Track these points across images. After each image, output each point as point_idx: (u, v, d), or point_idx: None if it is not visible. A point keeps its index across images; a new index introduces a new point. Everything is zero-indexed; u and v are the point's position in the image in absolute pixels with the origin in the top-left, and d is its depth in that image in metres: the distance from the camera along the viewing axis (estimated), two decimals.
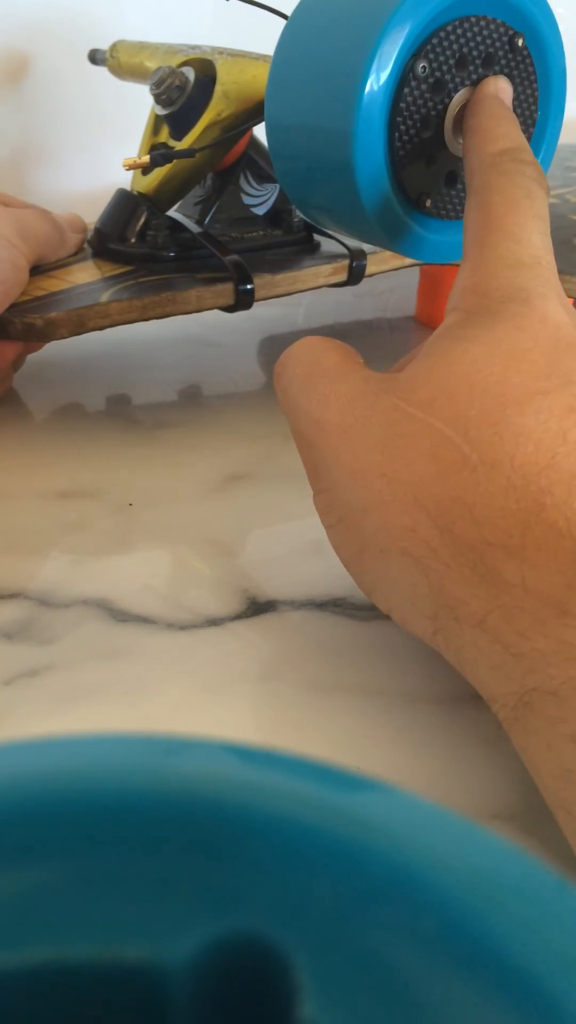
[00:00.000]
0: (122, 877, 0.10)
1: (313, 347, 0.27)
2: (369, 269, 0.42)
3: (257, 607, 0.30)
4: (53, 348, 0.47)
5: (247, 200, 0.44)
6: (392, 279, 0.57)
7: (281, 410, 0.27)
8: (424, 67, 0.29)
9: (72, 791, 0.10)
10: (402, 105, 0.29)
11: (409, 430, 0.22)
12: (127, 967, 0.10)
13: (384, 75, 0.28)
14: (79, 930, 0.10)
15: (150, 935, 0.10)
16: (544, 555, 0.20)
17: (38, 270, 0.41)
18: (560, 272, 0.42)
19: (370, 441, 0.23)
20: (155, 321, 0.39)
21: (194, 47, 0.43)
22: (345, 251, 0.42)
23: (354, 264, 0.42)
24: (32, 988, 0.10)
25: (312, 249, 0.44)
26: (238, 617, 0.29)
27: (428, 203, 0.31)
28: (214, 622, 0.29)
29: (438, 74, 0.29)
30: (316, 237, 0.45)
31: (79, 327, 0.37)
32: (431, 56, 0.29)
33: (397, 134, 0.29)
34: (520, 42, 0.30)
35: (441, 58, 0.29)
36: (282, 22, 0.32)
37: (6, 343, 0.39)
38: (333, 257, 0.42)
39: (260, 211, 0.44)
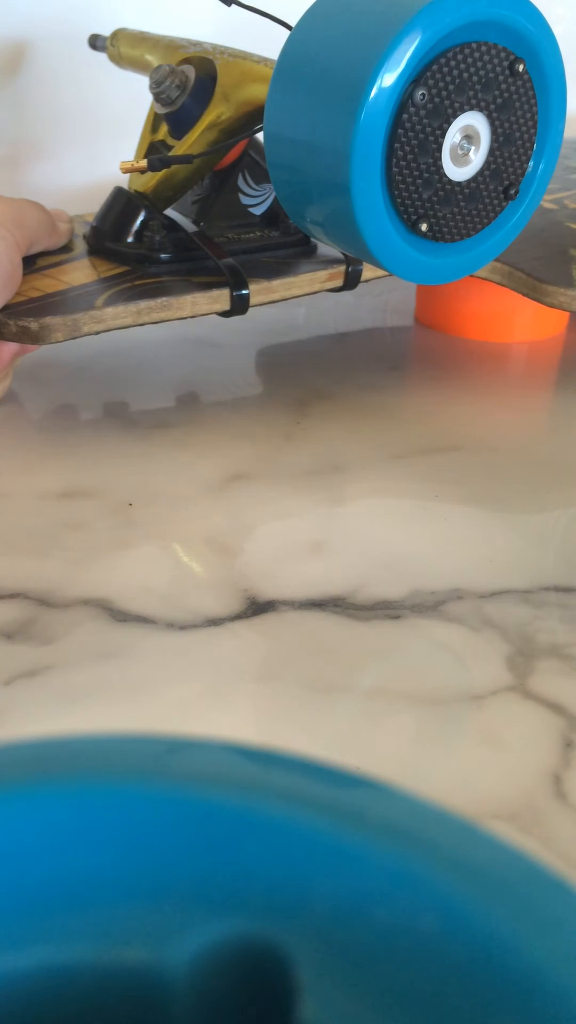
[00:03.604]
0: (123, 878, 0.10)
1: None
2: (365, 274, 0.42)
3: (257, 607, 0.30)
4: (53, 348, 0.47)
5: (245, 200, 0.44)
6: (392, 280, 0.57)
7: None
8: (423, 94, 0.29)
9: (72, 791, 0.10)
10: (400, 131, 0.29)
11: None
12: (128, 968, 0.10)
13: (384, 101, 0.28)
14: (80, 931, 0.10)
15: (151, 936, 0.10)
16: None
17: (33, 268, 0.41)
18: (554, 284, 0.42)
19: None
20: None
21: (195, 43, 0.43)
22: (341, 256, 0.42)
23: (350, 269, 0.42)
24: (34, 989, 0.10)
25: (309, 252, 0.44)
26: (238, 617, 0.29)
27: (424, 227, 0.31)
28: (214, 622, 0.29)
29: (437, 100, 0.29)
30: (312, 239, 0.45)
31: (73, 332, 0.37)
32: (431, 83, 0.29)
33: (395, 159, 0.29)
34: (521, 67, 0.30)
35: (441, 84, 0.29)
36: (282, 26, 0.32)
37: (3, 343, 0.39)
38: (330, 262, 0.42)
39: (257, 211, 0.44)
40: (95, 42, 0.50)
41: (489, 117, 0.31)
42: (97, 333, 0.37)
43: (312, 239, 0.44)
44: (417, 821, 0.10)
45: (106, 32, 0.49)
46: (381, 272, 0.42)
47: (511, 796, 0.23)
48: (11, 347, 0.40)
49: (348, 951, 0.09)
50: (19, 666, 0.27)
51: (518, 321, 0.51)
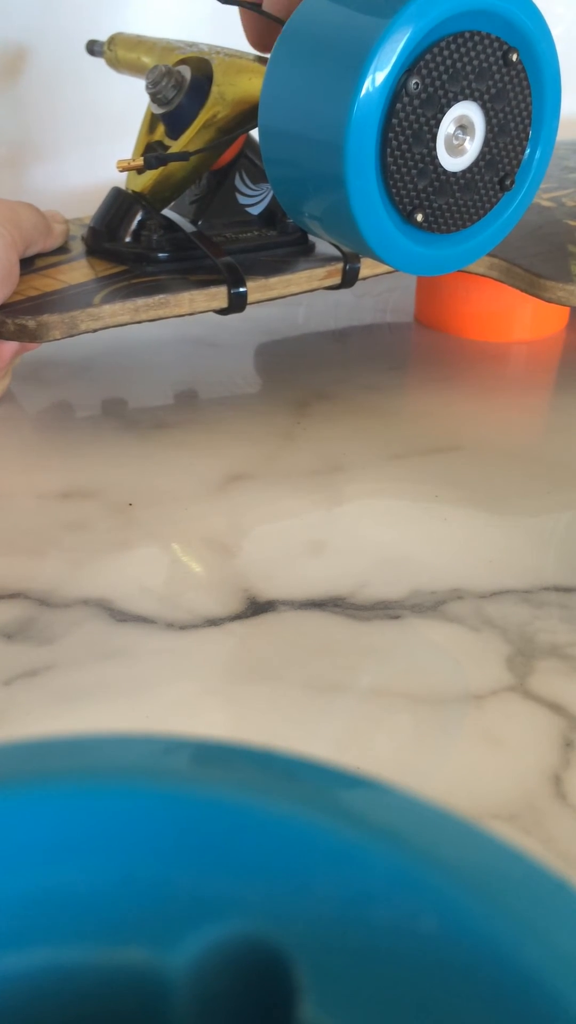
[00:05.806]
0: (123, 878, 0.10)
1: None
2: (363, 272, 0.42)
3: (257, 607, 0.30)
4: (51, 348, 0.47)
5: (242, 200, 0.44)
6: (391, 279, 0.57)
7: None
8: (417, 83, 0.29)
9: (72, 791, 0.10)
10: (394, 121, 0.29)
11: None
12: (129, 968, 0.10)
13: (377, 91, 0.28)
14: (80, 931, 0.10)
15: (151, 936, 0.10)
16: None
17: (31, 268, 0.41)
18: (553, 279, 0.42)
19: None
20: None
21: (191, 44, 0.43)
22: (339, 254, 0.42)
23: (348, 267, 0.42)
24: (34, 989, 0.10)
25: (307, 250, 0.44)
26: (238, 617, 0.29)
27: (419, 217, 0.31)
28: (213, 622, 0.29)
29: (431, 90, 0.29)
30: (310, 238, 0.45)
31: (71, 329, 0.37)
32: (424, 72, 0.29)
33: (389, 149, 0.29)
34: (514, 57, 0.30)
35: (434, 74, 0.29)
36: (276, 22, 0.32)
37: (2, 342, 0.39)
38: (327, 260, 0.42)
39: (255, 211, 0.44)
40: (92, 48, 0.50)
41: (483, 107, 0.31)
42: (95, 331, 0.38)
43: (310, 235, 0.44)
44: (417, 821, 0.10)
45: (104, 36, 0.49)
46: (379, 269, 0.42)
47: (511, 796, 0.23)
48: (10, 346, 0.40)
49: (348, 951, 0.09)
50: (19, 666, 0.27)
51: (517, 320, 0.51)
